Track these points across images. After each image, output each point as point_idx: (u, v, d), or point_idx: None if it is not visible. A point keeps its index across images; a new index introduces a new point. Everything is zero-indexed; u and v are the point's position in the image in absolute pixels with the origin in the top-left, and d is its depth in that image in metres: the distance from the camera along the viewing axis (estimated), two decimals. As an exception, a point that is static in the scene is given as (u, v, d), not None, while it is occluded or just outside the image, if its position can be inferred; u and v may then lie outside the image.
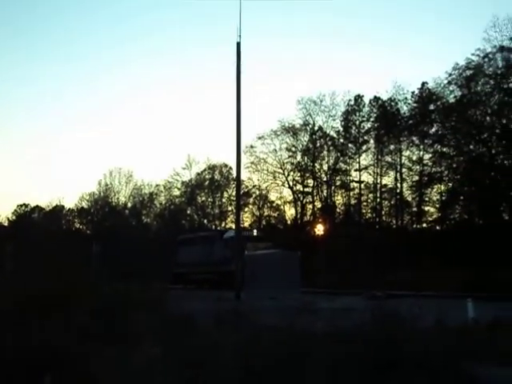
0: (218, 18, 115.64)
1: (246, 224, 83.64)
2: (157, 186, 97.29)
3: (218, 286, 50.50)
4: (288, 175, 79.14)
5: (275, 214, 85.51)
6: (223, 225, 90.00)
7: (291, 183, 79.40)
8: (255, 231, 59.68)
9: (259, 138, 78.47)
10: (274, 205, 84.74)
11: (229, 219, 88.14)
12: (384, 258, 63.16)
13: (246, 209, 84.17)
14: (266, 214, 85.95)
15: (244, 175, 77.70)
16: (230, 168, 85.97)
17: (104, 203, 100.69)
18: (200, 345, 11.77)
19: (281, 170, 79.18)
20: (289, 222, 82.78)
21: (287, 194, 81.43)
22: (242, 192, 65.44)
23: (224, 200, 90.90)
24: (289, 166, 79.05)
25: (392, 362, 10.80)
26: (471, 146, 63.81)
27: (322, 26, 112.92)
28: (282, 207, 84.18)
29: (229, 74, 49.68)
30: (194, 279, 58.88)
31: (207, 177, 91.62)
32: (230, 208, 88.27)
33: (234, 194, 79.44)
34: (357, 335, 12.25)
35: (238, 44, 38.22)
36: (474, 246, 45.52)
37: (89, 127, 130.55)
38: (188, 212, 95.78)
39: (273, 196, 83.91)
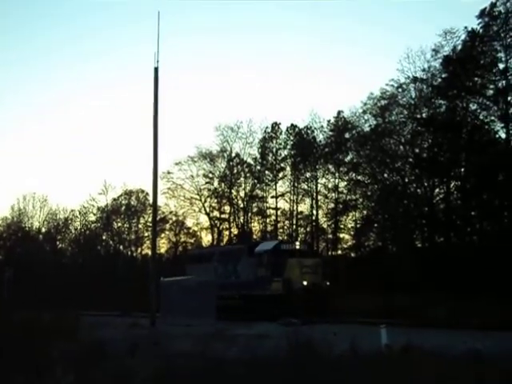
0: (136, 42, 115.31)
1: (162, 250, 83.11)
2: (72, 211, 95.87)
3: (246, 314, 42.50)
4: (205, 201, 79.04)
5: (192, 241, 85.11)
6: (139, 251, 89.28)
7: (208, 209, 79.32)
8: (298, 243, 46.26)
9: (176, 164, 78.23)
10: (191, 231, 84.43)
11: (145, 245, 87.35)
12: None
13: (163, 235, 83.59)
14: (182, 240, 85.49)
15: (161, 201, 77.31)
16: (147, 194, 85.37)
17: (17, 228, 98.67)
18: (113, 372, 11.62)
19: (198, 196, 79.03)
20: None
21: (204, 220, 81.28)
22: (158, 218, 65.00)
23: (140, 226, 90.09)
24: (206, 193, 78.98)
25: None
26: (385, 175, 64.87)
27: (242, 54, 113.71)
28: (198, 233, 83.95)
29: (147, 98, 49.51)
30: None
31: (123, 202, 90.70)
32: (146, 234, 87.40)
33: (150, 219, 78.72)
34: (272, 362, 12.27)
35: (156, 69, 38.13)
36: (386, 272, 46.17)
37: (1, 149, 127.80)
38: (104, 237, 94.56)
39: (189, 222, 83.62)
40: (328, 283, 42.40)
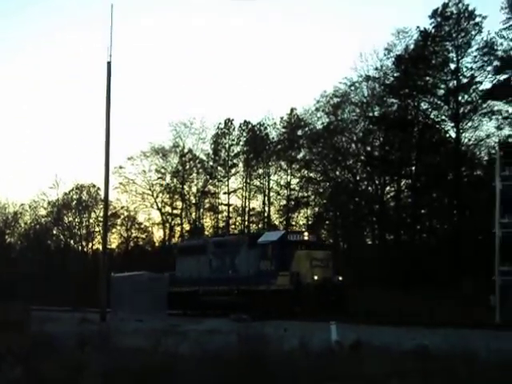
0: (89, 36, 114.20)
1: (114, 245, 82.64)
2: (22, 205, 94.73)
3: (246, 311, 35.91)
4: (157, 197, 78.70)
5: (143, 236, 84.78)
6: (90, 246, 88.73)
7: (160, 205, 78.98)
8: (307, 234, 42.02)
9: (129, 159, 77.68)
10: (143, 226, 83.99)
11: (96, 240, 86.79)
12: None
13: (114, 230, 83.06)
14: (134, 235, 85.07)
15: (112, 196, 76.53)
16: (98, 188, 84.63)
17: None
18: (62, 366, 11.55)
19: (150, 192, 78.62)
20: (157, 244, 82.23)
21: (156, 216, 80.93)
22: (109, 213, 64.68)
23: (92, 220, 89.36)
24: (158, 188, 78.61)
25: (254, 383, 10.90)
26: (337, 172, 65.36)
27: (196, 49, 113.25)
28: (150, 229, 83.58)
29: (100, 93, 49.09)
30: (204, 302, 43.32)
31: (75, 197, 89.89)
32: (97, 229, 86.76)
33: (101, 214, 78.10)
34: (223, 357, 12.31)
35: (109, 63, 37.85)
36: (337, 268, 46.31)
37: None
38: (54, 232, 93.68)
39: (141, 217, 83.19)
40: (341, 278, 38.90)
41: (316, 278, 37.53)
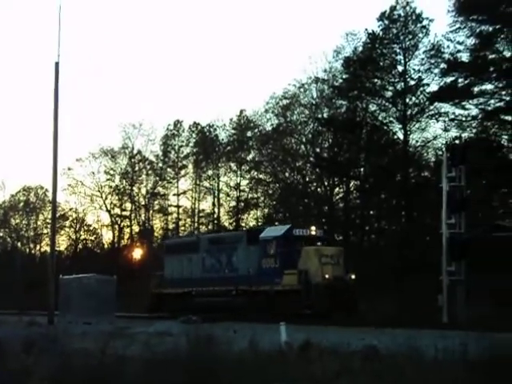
0: (37, 36, 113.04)
1: (62, 248, 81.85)
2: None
3: (246, 313, 34.95)
4: (106, 198, 78.15)
5: (92, 238, 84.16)
6: (38, 248, 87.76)
7: (109, 206, 78.46)
8: (314, 229, 37.98)
9: (77, 161, 77.05)
10: (91, 228, 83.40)
11: (44, 242, 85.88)
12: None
13: (62, 232, 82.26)
14: (82, 237, 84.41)
15: (61, 198, 75.94)
16: (46, 190, 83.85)
17: None
18: (8, 370, 11.41)
19: (98, 193, 78.06)
20: (106, 246, 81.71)
21: (105, 218, 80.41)
22: (58, 215, 64.03)
23: (39, 222, 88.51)
24: (107, 190, 78.11)
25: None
26: (286, 174, 65.61)
27: (145, 50, 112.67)
28: (99, 231, 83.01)
29: (48, 94, 48.49)
30: (197, 304, 39.80)
31: (22, 198, 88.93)
32: (45, 231, 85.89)
33: (49, 216, 77.34)
34: (172, 359, 12.27)
35: (57, 64, 37.45)
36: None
37: None
38: (1, 234, 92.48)
39: (90, 219, 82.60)
40: (353, 277, 35.55)
41: (327, 276, 34.37)
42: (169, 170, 75.67)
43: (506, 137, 45.52)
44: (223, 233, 46.63)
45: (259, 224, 69.11)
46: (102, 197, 78.04)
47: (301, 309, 33.36)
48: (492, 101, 44.81)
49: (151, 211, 78.18)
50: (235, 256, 39.49)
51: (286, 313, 31.58)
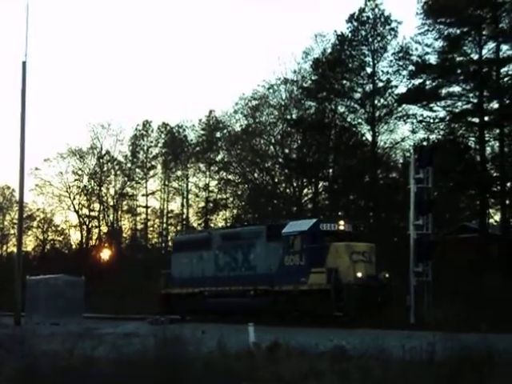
0: (5, 36, 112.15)
1: (29, 248, 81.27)
2: None
3: (267, 315, 32.70)
4: (74, 199, 77.74)
5: (60, 238, 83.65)
6: (4, 248, 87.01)
7: (77, 207, 78.05)
8: (342, 223, 34.52)
9: (45, 161, 76.59)
10: (59, 229, 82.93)
11: (11, 242, 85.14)
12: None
13: (30, 232, 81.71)
14: (50, 237, 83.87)
15: (28, 198, 75.53)
16: (13, 190, 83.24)
17: None
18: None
19: (66, 194, 77.64)
20: (74, 247, 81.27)
21: (73, 218, 79.97)
22: (25, 215, 63.53)
23: (6, 223, 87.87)
24: (75, 190, 77.70)
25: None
26: (255, 174, 65.67)
27: (114, 50, 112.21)
28: (67, 231, 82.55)
29: (15, 93, 48.11)
30: (210, 304, 37.66)
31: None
32: (12, 231, 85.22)
33: (16, 216, 76.77)
34: (139, 360, 12.25)
35: (24, 63, 37.21)
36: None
37: None
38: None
39: (58, 219, 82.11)
40: (387, 275, 32.67)
41: (359, 275, 31.60)
42: (137, 170, 75.52)
43: (473, 139, 45.87)
44: (238, 228, 42.18)
45: (228, 225, 69.19)
46: (70, 197, 77.70)
47: (330, 310, 31.05)
48: (459, 103, 45.18)
49: (120, 212, 77.98)
50: (253, 253, 36.60)
51: (312, 315, 30.76)
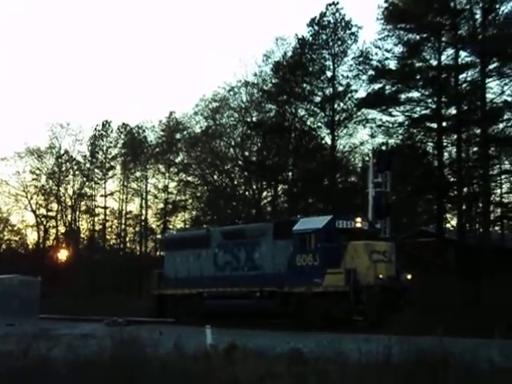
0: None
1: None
2: None
3: (276, 318, 31.66)
4: (31, 198, 77.01)
5: (16, 238, 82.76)
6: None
7: (34, 207, 77.32)
8: (360, 220, 32.10)
9: (2, 160, 75.74)
10: (15, 228, 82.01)
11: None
12: (128, 284, 63.34)
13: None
14: (6, 237, 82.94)
15: (-16, 197, 74.64)
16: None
17: None
18: None
19: (23, 193, 76.88)
20: (30, 247, 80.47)
21: (30, 218, 79.18)
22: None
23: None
24: (32, 189, 76.98)
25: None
26: (215, 176, 65.66)
27: (73, 48, 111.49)
28: (23, 231, 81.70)
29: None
30: (210, 306, 35.14)
31: None
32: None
33: (-29, 215, 76.06)
34: (96, 361, 12.18)
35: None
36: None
37: None
38: None
39: (14, 219, 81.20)
40: (409, 277, 30.62)
41: (381, 276, 29.35)
42: (96, 170, 75.03)
43: (431, 144, 46.32)
44: (241, 225, 40.18)
45: (187, 227, 69.06)
46: (27, 197, 76.96)
47: (348, 314, 28.65)
48: (418, 108, 45.60)
49: (78, 212, 77.37)
50: (258, 252, 34.04)
51: (329, 318, 28.86)
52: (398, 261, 30.91)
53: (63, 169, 76.36)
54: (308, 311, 30.23)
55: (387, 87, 45.91)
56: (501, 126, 44.02)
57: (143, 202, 72.47)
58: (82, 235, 77.81)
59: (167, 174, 70.48)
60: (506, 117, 43.30)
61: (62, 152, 75.72)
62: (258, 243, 34.02)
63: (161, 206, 71.72)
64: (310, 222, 32.32)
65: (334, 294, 29.58)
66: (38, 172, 76.33)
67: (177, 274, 38.09)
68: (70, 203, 76.76)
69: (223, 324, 29.19)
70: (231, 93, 60.89)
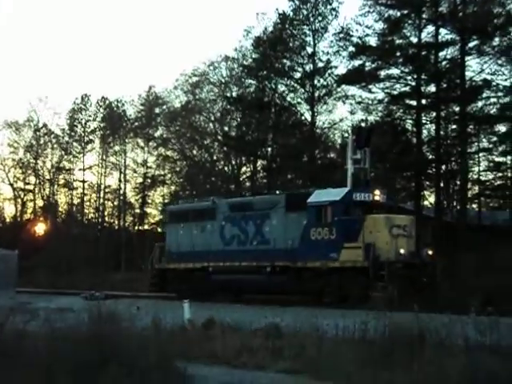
0: None
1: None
2: None
3: (288, 294, 30.65)
4: (8, 172, 76.52)
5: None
6: None
7: (12, 180, 76.85)
8: (378, 193, 30.85)
9: (-21, 133, 75.24)
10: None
11: None
12: (106, 258, 63.24)
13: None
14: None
15: (-40, 169, 74.15)
16: None
17: None
18: None
19: (1, 166, 76.39)
20: (8, 220, 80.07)
21: (7, 191, 78.71)
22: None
23: None
24: (10, 163, 76.44)
25: (106, 360, 10.86)
26: (194, 151, 65.54)
27: (53, 21, 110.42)
28: (0, 204, 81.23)
29: None
30: (216, 282, 34.22)
31: None
32: None
33: None
34: (72, 335, 12.18)
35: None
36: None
37: None
38: None
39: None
40: (430, 252, 29.28)
41: (402, 251, 28.15)
42: (75, 144, 74.57)
43: (410, 121, 46.38)
44: (249, 197, 38.42)
45: (165, 202, 68.99)
46: (4, 170, 76.47)
47: (367, 291, 26.56)
48: (398, 85, 45.54)
49: (56, 186, 76.97)
50: (268, 225, 32.71)
51: (345, 295, 27.44)
52: (419, 236, 30.00)
53: (41, 142, 75.89)
54: (324, 287, 29.10)
55: (367, 64, 45.79)
56: (479, 104, 44.14)
57: (122, 176, 72.26)
58: (59, 209, 77.53)
59: (146, 149, 70.30)
60: (484, 95, 43.40)
61: (41, 125, 75.32)
62: (268, 216, 32.78)
63: (139, 180, 71.57)
64: (325, 194, 31.12)
65: (352, 269, 28.40)
66: (15, 145, 75.88)
67: (180, 248, 36.80)
68: (48, 177, 76.39)
69: (202, 298, 29.26)
70: (211, 67, 60.77)
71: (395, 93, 45.46)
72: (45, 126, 75.25)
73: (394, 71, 45.10)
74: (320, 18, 50.30)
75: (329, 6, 50.28)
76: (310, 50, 50.70)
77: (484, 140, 47.47)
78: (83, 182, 74.60)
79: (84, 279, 48.36)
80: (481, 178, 50.36)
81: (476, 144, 47.64)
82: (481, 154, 48.57)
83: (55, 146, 75.67)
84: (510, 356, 11.73)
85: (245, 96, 54.99)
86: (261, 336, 16.45)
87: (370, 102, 46.41)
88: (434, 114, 44.93)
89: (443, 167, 46.40)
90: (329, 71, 50.24)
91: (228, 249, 34.27)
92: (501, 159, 48.65)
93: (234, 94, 58.04)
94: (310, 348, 14.13)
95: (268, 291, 31.35)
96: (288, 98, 53.11)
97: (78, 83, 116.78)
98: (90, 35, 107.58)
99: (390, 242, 28.08)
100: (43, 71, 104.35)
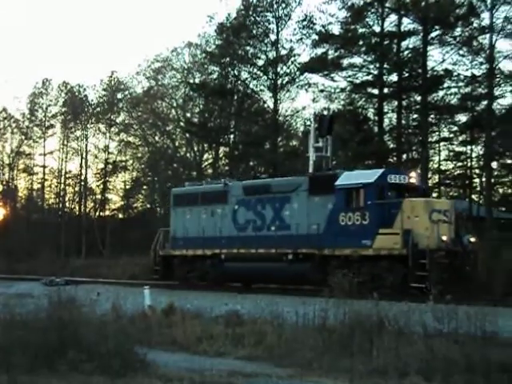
0: None
1: None
2: None
3: (313, 284, 26.79)
4: (-33, 156, 75.67)
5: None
6: None
7: (-30, 164, 75.98)
8: (414, 175, 28.28)
9: None
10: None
11: None
12: (66, 244, 62.95)
13: None
14: None
15: None
16: None
17: None
18: None
19: (-41, 150, 75.48)
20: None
21: (-34, 176, 77.75)
22: None
23: None
24: (-32, 147, 75.59)
25: (65, 346, 10.83)
26: (156, 137, 65.33)
27: (14, 5, 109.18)
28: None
29: None
30: (229, 270, 31.39)
31: None
32: None
33: None
34: (31, 321, 12.11)
35: None
36: (154, 233, 44.32)
37: None
38: None
39: (-51, 177, 79.63)
40: (473, 239, 26.91)
41: (444, 238, 25.58)
42: (35, 129, 73.93)
43: (372, 110, 46.61)
44: (266, 179, 35.95)
45: (127, 188, 68.67)
46: (-37, 153, 75.59)
47: (406, 281, 24.81)
48: (360, 74, 45.62)
49: (16, 170, 76.26)
50: (289, 209, 29.96)
51: (377, 285, 24.41)
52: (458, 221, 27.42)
53: (1, 126, 75.13)
54: (357, 276, 24.33)
55: (330, 52, 45.82)
56: (441, 93, 44.40)
57: (83, 161, 71.75)
58: (19, 194, 76.84)
59: (108, 134, 69.83)
60: (446, 85, 43.70)
61: (0, 109, 74.52)
62: (288, 199, 30.04)
63: (101, 166, 71.12)
64: (357, 176, 28.30)
65: (387, 257, 25.97)
66: (-26, 129, 75.02)
67: (187, 234, 33.82)
68: (7, 161, 75.63)
69: (162, 285, 29.21)
70: (174, 53, 60.55)
71: (357, 81, 45.58)
72: (4, 110, 74.53)
73: (357, 60, 45.21)
74: (283, 5, 50.21)
75: (293, -7, 50.22)
76: (273, 37, 50.64)
77: (445, 130, 48.04)
78: (44, 167, 74.05)
79: (44, 265, 48.00)
80: (441, 167, 50.81)
81: (437, 133, 48.12)
82: (441, 144, 49.05)
83: (15, 130, 74.97)
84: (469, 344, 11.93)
85: (207, 82, 54.80)
86: (221, 323, 16.49)
87: (333, 90, 46.55)
88: (396, 103, 45.17)
89: (404, 156, 46.75)
90: (292, 59, 50.23)
91: (242, 235, 31.66)
92: (461, 149, 49.23)
93: (197, 81, 57.93)
94: (271, 335, 14.20)
95: (288, 280, 29.50)
96: (251, 85, 53.06)
97: (38, 67, 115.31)
98: (52, 19, 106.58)
99: (431, 228, 25.57)
100: (3, 55, 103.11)
